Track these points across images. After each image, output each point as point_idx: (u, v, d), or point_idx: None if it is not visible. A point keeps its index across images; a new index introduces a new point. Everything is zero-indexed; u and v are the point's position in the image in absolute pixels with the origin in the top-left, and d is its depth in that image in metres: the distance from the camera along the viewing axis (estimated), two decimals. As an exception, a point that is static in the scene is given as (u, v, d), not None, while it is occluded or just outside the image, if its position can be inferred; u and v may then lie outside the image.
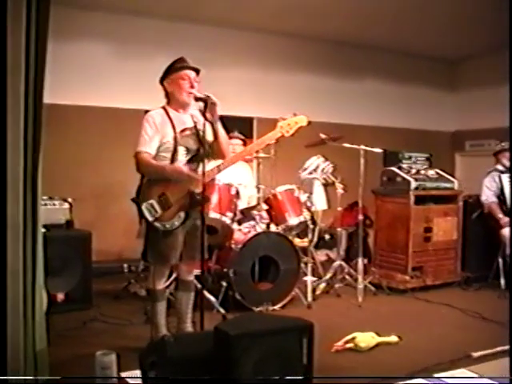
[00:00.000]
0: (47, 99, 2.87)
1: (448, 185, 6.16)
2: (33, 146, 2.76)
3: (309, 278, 5.29)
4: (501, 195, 5.92)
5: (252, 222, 5.13)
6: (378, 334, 3.99)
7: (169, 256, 3.63)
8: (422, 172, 6.11)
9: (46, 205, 4.72)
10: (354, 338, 3.89)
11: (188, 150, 3.62)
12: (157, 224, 3.53)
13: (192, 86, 3.64)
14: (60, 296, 4.64)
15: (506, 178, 5.88)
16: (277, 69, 7.71)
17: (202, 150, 3.50)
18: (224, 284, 4.81)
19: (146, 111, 3.72)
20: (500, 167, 6.05)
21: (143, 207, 3.53)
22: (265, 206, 5.22)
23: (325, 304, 5.24)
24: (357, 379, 3.20)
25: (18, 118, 2.64)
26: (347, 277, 5.65)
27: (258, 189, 5.19)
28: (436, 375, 3.30)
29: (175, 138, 3.58)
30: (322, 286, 5.57)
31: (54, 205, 4.92)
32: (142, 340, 3.66)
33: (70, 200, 5.02)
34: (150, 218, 3.52)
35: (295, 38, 7.66)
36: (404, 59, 8.63)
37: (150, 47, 6.70)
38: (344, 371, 3.45)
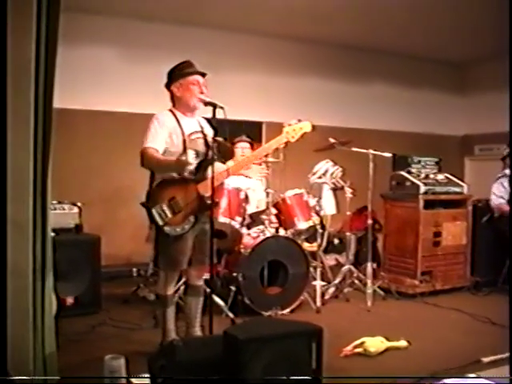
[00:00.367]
0: (56, 104, 2.86)
1: (457, 189, 6.13)
2: (42, 150, 2.78)
3: (318, 283, 5.29)
4: (509, 200, 5.88)
5: (261, 227, 5.13)
6: (387, 339, 3.98)
7: (180, 261, 3.64)
8: (432, 176, 6.08)
9: (55, 209, 4.74)
10: (363, 343, 3.87)
11: (197, 154, 3.64)
12: (167, 228, 3.51)
13: (202, 92, 3.67)
14: (69, 300, 4.64)
15: None
16: (285, 73, 7.70)
17: (211, 154, 3.51)
18: (233, 288, 4.81)
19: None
20: (508, 172, 6.02)
21: (153, 211, 3.49)
22: (274, 211, 5.21)
23: (334, 308, 5.22)
24: (366, 380, 3.21)
25: (28, 122, 2.65)
26: (356, 281, 5.63)
27: (267, 193, 5.19)
28: (445, 380, 3.28)
29: (184, 141, 3.60)
30: (331, 290, 5.55)
31: (64, 209, 4.94)
32: (150, 344, 3.68)
33: (79, 204, 5.03)
34: (161, 223, 3.50)
35: (303, 42, 7.65)
36: (412, 63, 8.60)
37: (158, 51, 6.70)
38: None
